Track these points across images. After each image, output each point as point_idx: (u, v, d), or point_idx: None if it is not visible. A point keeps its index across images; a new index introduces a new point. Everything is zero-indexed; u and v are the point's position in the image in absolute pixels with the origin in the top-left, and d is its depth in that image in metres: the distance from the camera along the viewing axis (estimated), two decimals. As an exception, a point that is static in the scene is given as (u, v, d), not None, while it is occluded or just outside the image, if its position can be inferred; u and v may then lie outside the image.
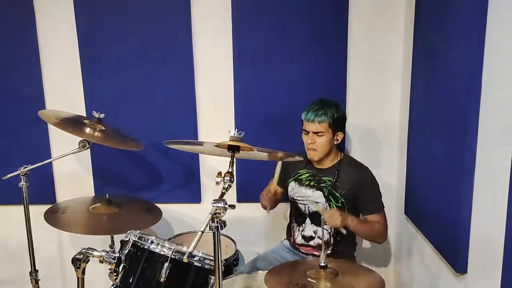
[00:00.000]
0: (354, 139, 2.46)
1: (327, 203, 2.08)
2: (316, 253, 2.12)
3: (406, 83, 2.28)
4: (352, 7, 2.32)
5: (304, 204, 2.14)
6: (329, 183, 2.07)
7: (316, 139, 2.02)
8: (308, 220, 2.15)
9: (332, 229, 2.10)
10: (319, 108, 2.00)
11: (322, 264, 1.56)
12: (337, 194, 2.06)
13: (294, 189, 2.17)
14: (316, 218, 2.12)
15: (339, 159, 2.12)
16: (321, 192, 2.09)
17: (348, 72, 2.38)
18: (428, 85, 2.00)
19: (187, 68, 2.41)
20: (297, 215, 2.19)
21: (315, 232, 2.13)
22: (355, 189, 2.06)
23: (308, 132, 2.03)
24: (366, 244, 2.57)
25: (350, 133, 2.45)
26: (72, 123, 2.18)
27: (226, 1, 2.34)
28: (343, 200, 2.06)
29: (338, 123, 2.04)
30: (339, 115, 2.03)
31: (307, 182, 2.12)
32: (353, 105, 2.42)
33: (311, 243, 2.14)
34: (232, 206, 1.36)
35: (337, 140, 2.07)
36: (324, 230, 2.07)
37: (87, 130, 2.13)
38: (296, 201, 2.17)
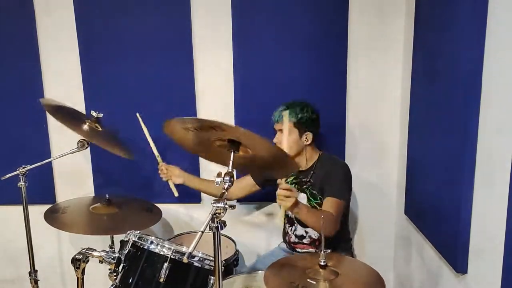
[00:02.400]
0: (354, 139, 2.46)
1: (308, 203, 2.10)
2: (311, 249, 2.17)
3: (406, 83, 2.28)
4: (352, 7, 2.32)
5: None
6: (309, 184, 2.11)
7: (280, 139, 2.05)
8: (296, 222, 2.19)
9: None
10: (284, 109, 2.04)
11: (322, 263, 1.56)
12: (314, 192, 2.09)
13: None
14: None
15: (316, 158, 2.14)
16: (305, 194, 2.12)
17: (348, 72, 2.38)
18: (428, 85, 2.00)
19: (187, 68, 2.41)
20: (288, 218, 2.23)
21: (306, 232, 2.18)
22: (324, 181, 2.06)
23: (276, 132, 2.09)
24: (366, 243, 2.57)
25: (350, 133, 2.45)
26: (70, 118, 2.17)
27: (226, 0, 2.34)
28: (320, 197, 2.08)
29: (304, 123, 2.05)
30: (304, 115, 2.04)
31: (292, 186, 2.15)
32: (353, 105, 2.42)
33: (304, 240, 2.19)
34: (232, 206, 1.36)
35: (307, 140, 2.07)
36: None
37: (85, 127, 2.13)
38: None
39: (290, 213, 1.99)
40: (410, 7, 2.22)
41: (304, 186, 2.12)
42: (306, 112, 2.06)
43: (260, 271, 1.93)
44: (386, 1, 2.32)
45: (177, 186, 2.35)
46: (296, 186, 2.14)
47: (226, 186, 1.42)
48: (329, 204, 1.97)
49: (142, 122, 2.25)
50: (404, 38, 2.32)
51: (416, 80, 2.16)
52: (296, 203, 1.76)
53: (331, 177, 2.05)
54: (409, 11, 2.25)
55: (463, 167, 1.61)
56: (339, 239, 2.14)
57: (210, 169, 2.50)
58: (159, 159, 2.30)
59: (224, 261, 2.03)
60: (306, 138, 2.07)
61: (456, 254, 1.69)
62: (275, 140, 2.09)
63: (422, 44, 2.09)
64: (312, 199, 2.10)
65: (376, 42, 2.36)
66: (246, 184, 2.30)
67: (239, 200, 2.52)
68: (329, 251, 1.59)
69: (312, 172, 2.10)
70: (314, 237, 2.16)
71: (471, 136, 1.57)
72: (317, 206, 2.07)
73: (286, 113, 1.98)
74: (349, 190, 2.09)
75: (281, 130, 2.04)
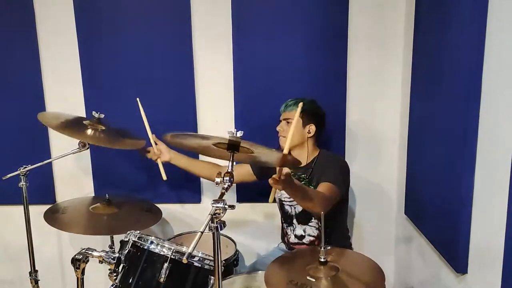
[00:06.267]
0: (354, 139, 2.46)
1: None
2: None
3: (406, 83, 2.28)
4: (352, 7, 2.32)
5: (290, 205, 2.17)
6: (306, 179, 2.11)
7: (285, 127, 2.10)
8: (295, 221, 2.19)
9: (319, 224, 2.12)
10: (292, 100, 2.12)
11: (322, 260, 1.56)
12: (312, 187, 2.07)
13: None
14: (302, 218, 2.16)
15: (316, 155, 2.15)
16: None
17: (348, 72, 2.38)
18: (428, 86, 1.99)
19: (187, 68, 2.41)
20: (286, 217, 2.23)
21: (304, 231, 2.18)
22: (321, 174, 2.05)
23: (281, 121, 2.13)
24: (366, 243, 2.57)
25: (350, 133, 2.45)
26: (72, 126, 2.17)
27: (226, 0, 2.34)
28: None
29: (309, 114, 2.09)
30: (310, 107, 2.09)
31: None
32: (353, 106, 2.42)
33: (304, 241, 2.18)
34: (232, 207, 1.36)
35: (309, 132, 2.11)
36: (312, 227, 2.13)
37: (89, 132, 2.12)
38: (283, 202, 2.20)
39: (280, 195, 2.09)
40: (410, 8, 2.22)
41: (302, 182, 2.11)
42: (313, 105, 2.13)
43: (260, 271, 1.93)
44: (386, 1, 2.32)
45: (175, 182, 2.34)
46: None
47: (225, 186, 1.42)
48: (322, 187, 1.95)
49: (141, 107, 2.21)
50: (404, 37, 2.32)
51: (416, 79, 2.16)
52: (290, 182, 1.68)
53: (327, 168, 2.06)
54: (409, 11, 2.24)
55: (463, 167, 1.61)
56: (338, 236, 2.15)
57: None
58: (152, 140, 2.23)
59: (224, 261, 2.03)
60: (309, 129, 2.10)
61: (456, 254, 1.69)
62: (278, 128, 2.14)
63: (422, 43, 2.09)
64: None
65: (376, 41, 2.36)
66: (245, 171, 2.27)
67: (239, 200, 2.52)
68: (329, 247, 1.60)
69: (311, 169, 2.11)
70: (313, 236, 2.15)
71: (471, 136, 1.57)
72: None
73: (294, 103, 2.07)
74: (345, 182, 2.07)
75: (286, 120, 2.11)
